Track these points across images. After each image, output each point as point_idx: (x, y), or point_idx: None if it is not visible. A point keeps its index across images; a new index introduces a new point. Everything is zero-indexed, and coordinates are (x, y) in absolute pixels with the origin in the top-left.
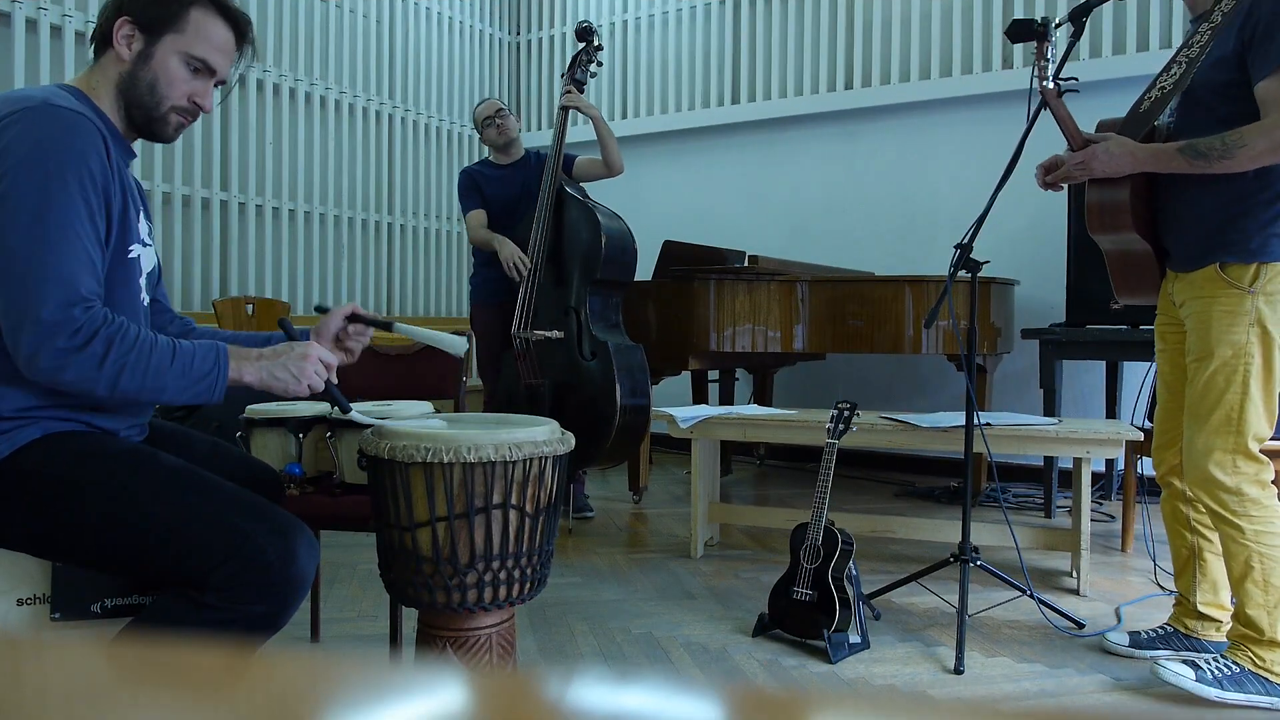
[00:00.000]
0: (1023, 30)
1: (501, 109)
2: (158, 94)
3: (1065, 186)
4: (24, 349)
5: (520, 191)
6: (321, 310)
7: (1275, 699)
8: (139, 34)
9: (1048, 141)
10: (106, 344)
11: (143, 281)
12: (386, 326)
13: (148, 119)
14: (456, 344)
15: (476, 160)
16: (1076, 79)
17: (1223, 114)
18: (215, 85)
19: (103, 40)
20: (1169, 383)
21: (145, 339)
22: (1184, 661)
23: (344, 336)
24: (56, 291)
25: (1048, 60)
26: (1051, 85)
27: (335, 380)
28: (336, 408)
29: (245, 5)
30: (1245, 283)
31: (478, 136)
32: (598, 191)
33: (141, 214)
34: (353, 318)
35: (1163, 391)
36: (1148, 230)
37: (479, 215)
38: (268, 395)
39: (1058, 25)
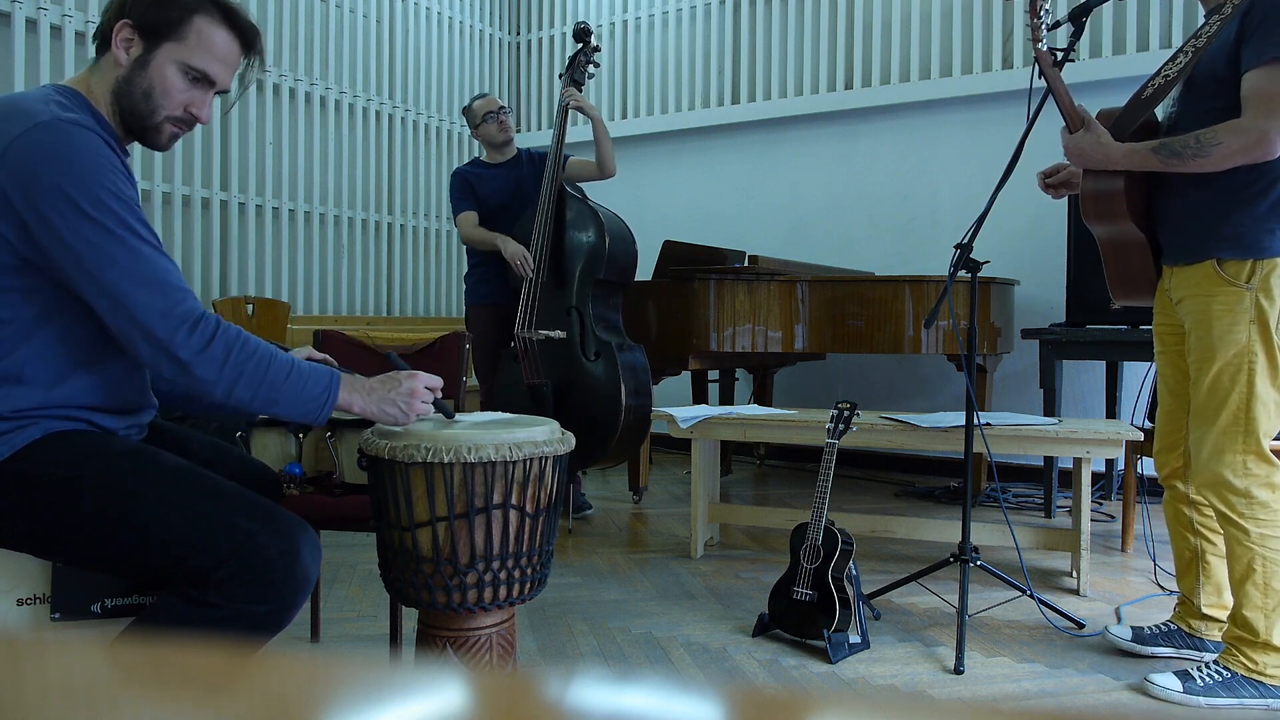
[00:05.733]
0: None
1: (503, 106)
2: (153, 102)
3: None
4: (150, 349)
5: (514, 190)
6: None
7: (1270, 701)
8: (138, 39)
9: (1048, 141)
10: (226, 348)
11: None
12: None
13: (142, 126)
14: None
15: (469, 160)
16: (1075, 49)
17: (1223, 105)
18: (215, 94)
19: (104, 41)
20: (1170, 385)
21: (264, 350)
22: (1174, 672)
23: None
24: (168, 295)
25: (1041, 19)
26: (1045, 49)
27: (440, 395)
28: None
29: (246, 5)
30: (1243, 279)
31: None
32: (597, 190)
33: None
34: None
35: (1164, 394)
36: (1144, 221)
37: (471, 216)
38: None
39: (1057, 24)
